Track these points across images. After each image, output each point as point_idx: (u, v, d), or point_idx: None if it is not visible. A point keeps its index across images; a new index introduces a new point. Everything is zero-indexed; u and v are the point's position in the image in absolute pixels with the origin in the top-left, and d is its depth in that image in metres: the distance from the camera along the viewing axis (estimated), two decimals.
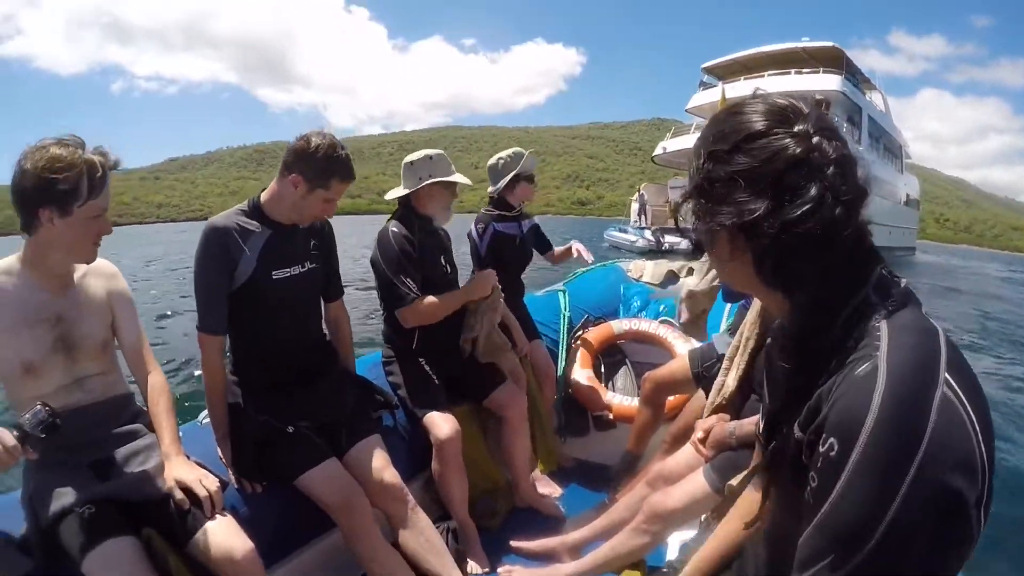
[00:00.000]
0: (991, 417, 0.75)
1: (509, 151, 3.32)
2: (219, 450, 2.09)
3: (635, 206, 28.56)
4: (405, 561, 2.12)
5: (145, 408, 1.89)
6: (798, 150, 0.79)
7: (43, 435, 1.46)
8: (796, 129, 0.81)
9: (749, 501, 1.26)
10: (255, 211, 2.10)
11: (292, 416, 2.12)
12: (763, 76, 27.14)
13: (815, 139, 0.80)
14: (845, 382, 0.75)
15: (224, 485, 1.83)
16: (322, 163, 2.00)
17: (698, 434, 2.11)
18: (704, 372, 2.61)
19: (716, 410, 2.16)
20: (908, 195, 40.27)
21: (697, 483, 1.98)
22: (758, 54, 29.45)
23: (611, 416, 3.34)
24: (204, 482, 1.70)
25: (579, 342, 3.74)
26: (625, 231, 25.74)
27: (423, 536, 2.20)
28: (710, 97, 28.13)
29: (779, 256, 0.81)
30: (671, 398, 3.01)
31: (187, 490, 1.69)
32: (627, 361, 3.90)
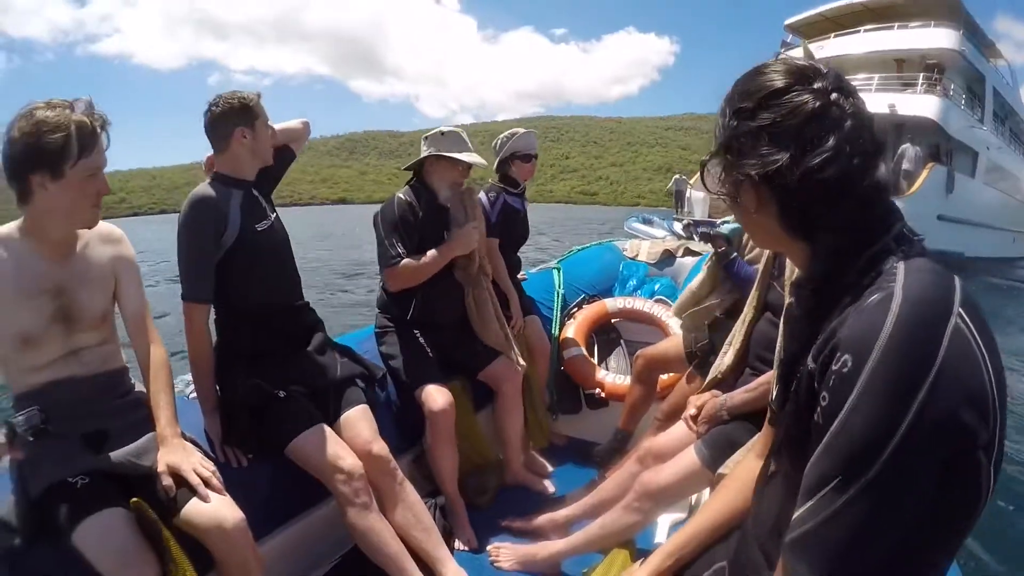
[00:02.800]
0: (1003, 366, 0.75)
1: (508, 132, 3.36)
2: (205, 423, 2.06)
3: (677, 192, 21.75)
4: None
5: (138, 384, 1.85)
6: (816, 104, 0.84)
7: (32, 438, 1.49)
8: (815, 86, 0.86)
9: (748, 471, 1.24)
10: (223, 180, 2.12)
11: (283, 381, 2.11)
12: (858, 32, 20.95)
13: (833, 95, 0.85)
14: (859, 308, 0.78)
15: (212, 461, 1.82)
16: (243, 107, 2.11)
17: (691, 410, 2.09)
18: (697, 351, 2.59)
19: (711, 386, 2.12)
20: None
21: (689, 459, 1.95)
22: (853, 4, 21.88)
23: (603, 394, 3.31)
24: (198, 469, 1.66)
25: (573, 320, 3.70)
26: (651, 221, 20.19)
27: (411, 511, 2.18)
28: None
29: (802, 203, 0.86)
30: (663, 377, 2.99)
31: (177, 475, 1.65)
32: (621, 340, 3.87)
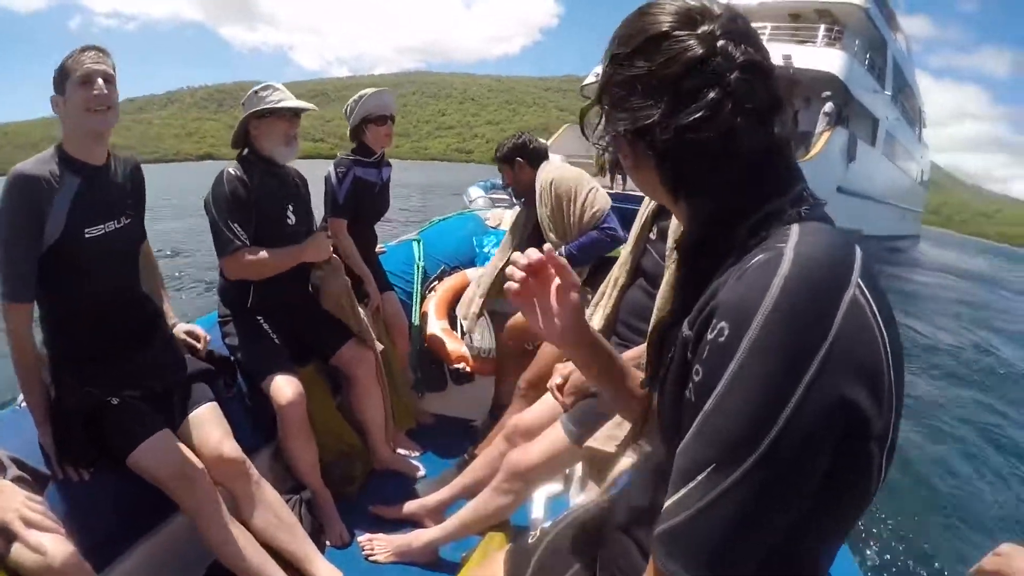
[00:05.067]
0: (902, 348, 0.68)
1: (359, 93, 3.07)
2: (39, 434, 1.80)
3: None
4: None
5: None
6: (699, 52, 0.74)
7: None
8: (700, 31, 0.75)
9: None
10: (62, 158, 1.80)
11: (116, 386, 1.88)
12: None
13: (720, 42, 0.74)
14: (742, 269, 0.69)
15: (45, 479, 1.63)
16: (60, 67, 1.79)
17: (556, 379, 1.99)
18: None
19: None
20: (922, 172, 29.57)
21: (556, 436, 1.93)
22: None
23: (468, 369, 3.25)
24: (24, 514, 1.44)
25: (434, 293, 3.62)
26: (493, 186, 17.25)
27: (271, 512, 2.05)
28: None
29: (676, 163, 0.77)
30: (529, 347, 2.99)
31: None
32: (484, 311, 3.84)
